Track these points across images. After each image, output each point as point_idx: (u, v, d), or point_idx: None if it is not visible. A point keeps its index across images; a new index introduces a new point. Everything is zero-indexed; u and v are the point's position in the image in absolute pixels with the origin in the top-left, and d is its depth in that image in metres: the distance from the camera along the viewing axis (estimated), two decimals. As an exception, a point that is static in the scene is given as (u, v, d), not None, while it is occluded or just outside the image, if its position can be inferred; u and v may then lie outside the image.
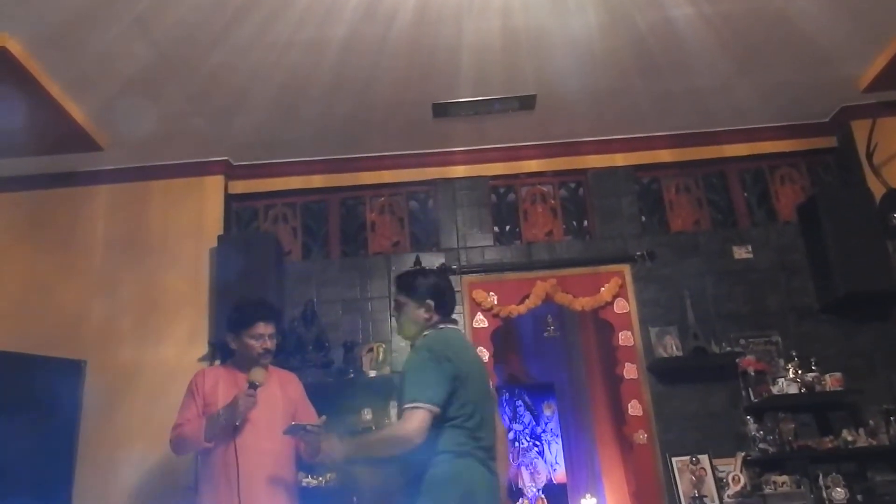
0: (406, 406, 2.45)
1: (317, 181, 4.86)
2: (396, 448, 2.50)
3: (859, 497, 3.95)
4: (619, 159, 4.86)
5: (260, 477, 3.03)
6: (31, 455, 3.88)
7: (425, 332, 2.70)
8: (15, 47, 3.46)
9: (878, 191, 4.41)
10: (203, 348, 4.30)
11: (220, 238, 4.48)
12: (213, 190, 4.71)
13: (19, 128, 4.09)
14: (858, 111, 4.61)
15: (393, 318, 4.40)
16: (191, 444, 3.07)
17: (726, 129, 4.81)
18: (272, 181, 4.84)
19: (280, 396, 3.20)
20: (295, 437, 3.05)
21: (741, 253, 4.62)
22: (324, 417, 3.08)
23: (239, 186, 4.83)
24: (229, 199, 4.79)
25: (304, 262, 4.75)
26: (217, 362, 4.07)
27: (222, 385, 3.17)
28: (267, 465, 3.07)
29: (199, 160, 4.68)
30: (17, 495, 3.71)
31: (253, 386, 3.02)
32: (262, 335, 3.17)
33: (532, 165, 4.89)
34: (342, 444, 2.64)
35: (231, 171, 4.78)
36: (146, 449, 4.08)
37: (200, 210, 4.65)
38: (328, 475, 3.98)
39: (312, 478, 3.97)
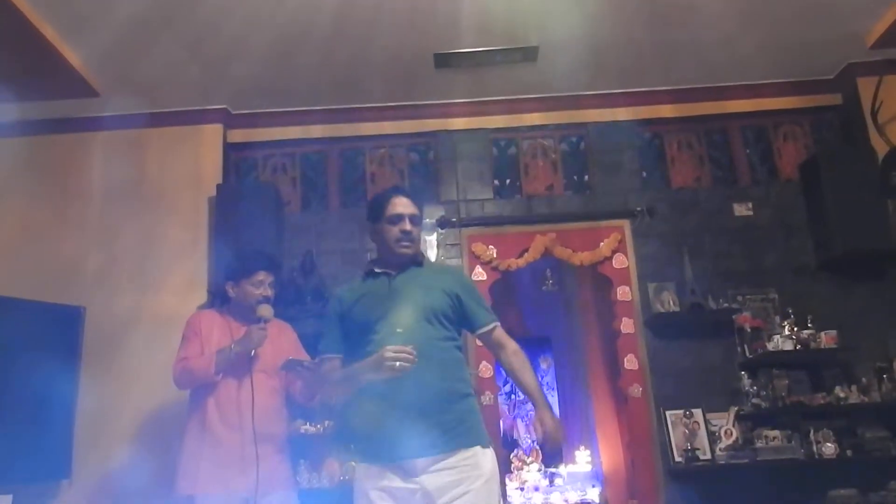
0: (497, 323, 2.60)
1: (316, 131, 4.81)
2: (523, 360, 2.62)
3: (849, 452, 4.02)
4: (622, 114, 4.82)
5: (270, 411, 3.15)
6: (32, 400, 3.92)
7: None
8: (9, -11, 3.39)
9: (881, 149, 4.37)
10: (202, 296, 4.31)
11: (218, 187, 4.46)
12: (211, 138, 4.67)
13: (14, 72, 4.04)
14: (864, 68, 4.55)
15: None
16: (198, 376, 3.10)
17: (730, 84, 4.76)
18: (271, 131, 4.80)
19: (275, 342, 3.24)
20: (291, 374, 3.15)
21: (741, 210, 4.61)
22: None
23: (237, 135, 4.79)
24: (228, 148, 4.75)
25: (304, 213, 4.73)
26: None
27: (217, 330, 3.23)
28: (275, 400, 3.21)
29: (196, 108, 4.63)
30: (17, 441, 3.75)
31: (262, 320, 3.10)
32: (262, 282, 3.24)
33: (533, 118, 4.85)
34: (552, 417, 2.49)
35: (229, 120, 4.73)
36: (145, 395, 4.13)
37: (198, 159, 4.62)
38: (326, 422, 4.03)
39: (310, 424, 4.02)
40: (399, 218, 2.57)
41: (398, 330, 2.40)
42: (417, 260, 2.64)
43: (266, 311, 3.15)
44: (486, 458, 2.41)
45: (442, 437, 2.35)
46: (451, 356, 2.50)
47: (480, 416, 2.53)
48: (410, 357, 2.28)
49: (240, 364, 3.11)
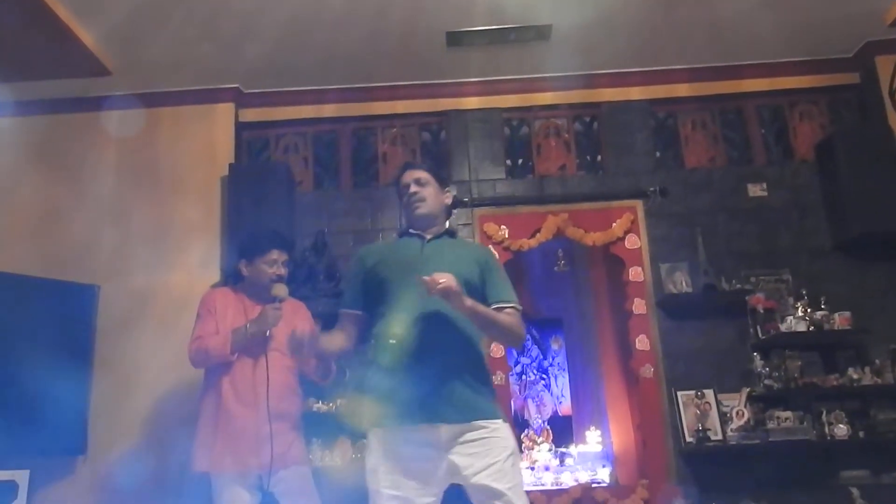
0: (516, 306, 2.53)
1: (328, 111, 4.80)
2: (510, 340, 2.63)
3: (861, 434, 4.00)
4: (635, 93, 4.77)
5: (284, 390, 3.18)
6: (47, 378, 3.96)
7: (446, 226, 2.72)
8: (21, -33, 3.39)
9: (899, 129, 4.32)
10: (215, 275, 4.33)
11: (231, 167, 4.47)
12: (223, 118, 4.67)
13: (27, 51, 4.05)
14: (883, 46, 4.49)
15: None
16: (214, 356, 3.13)
17: (746, 63, 4.71)
18: (283, 110, 4.79)
19: (290, 321, 3.24)
20: (298, 354, 3.12)
21: (756, 191, 4.58)
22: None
23: (250, 115, 4.78)
24: (240, 127, 4.76)
25: (316, 193, 4.73)
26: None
27: (231, 309, 3.26)
28: (289, 379, 3.25)
29: (209, 87, 4.63)
30: (33, 418, 3.80)
31: (277, 300, 3.12)
32: (276, 261, 3.26)
33: (546, 98, 4.82)
34: (465, 296, 2.35)
35: (241, 99, 4.73)
36: (160, 372, 4.17)
37: (211, 138, 4.62)
38: (337, 400, 4.06)
39: (322, 403, 4.05)
40: (406, 186, 2.66)
41: (423, 291, 2.34)
42: (451, 231, 2.71)
43: (281, 290, 3.17)
44: (508, 431, 2.41)
45: (466, 406, 2.35)
46: (470, 324, 2.47)
47: (494, 388, 2.54)
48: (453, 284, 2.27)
49: (255, 344, 3.14)
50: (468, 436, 2.33)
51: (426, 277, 2.26)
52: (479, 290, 2.51)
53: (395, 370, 2.37)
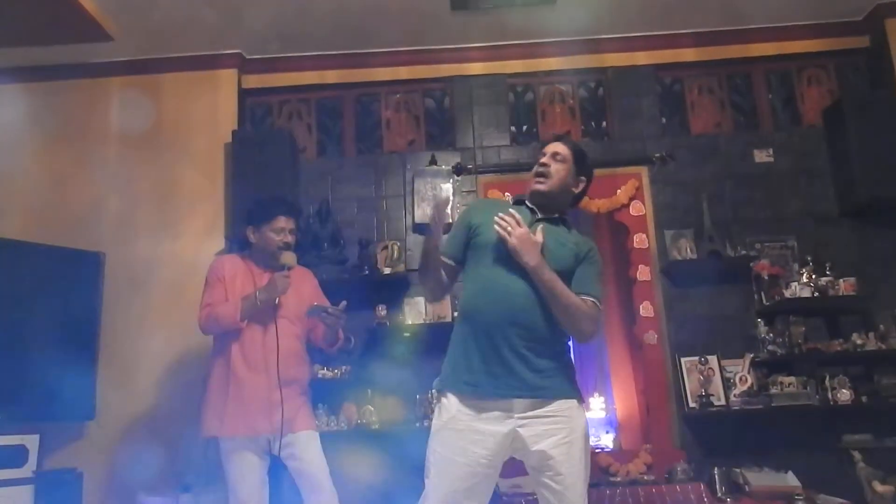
0: (597, 302, 2.40)
1: (331, 76, 4.77)
2: (578, 325, 2.37)
3: (864, 398, 4.02)
4: (641, 58, 4.72)
5: (293, 356, 3.21)
6: (55, 344, 3.99)
7: (566, 213, 2.60)
8: (20, -71, 3.35)
9: (908, 94, 4.27)
10: (220, 242, 4.34)
11: (234, 133, 4.44)
12: (226, 84, 4.64)
13: (28, 16, 4.01)
14: (894, 9, 4.42)
15: (411, 213, 4.45)
16: (224, 323, 3.14)
17: (754, 27, 4.64)
18: (286, 76, 4.76)
19: (298, 289, 3.28)
20: (315, 319, 3.22)
21: (762, 156, 4.54)
22: (344, 302, 3.20)
23: (252, 81, 4.75)
24: (243, 93, 4.72)
25: (319, 160, 4.72)
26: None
27: (240, 276, 3.27)
28: (298, 346, 3.28)
29: (211, 53, 4.59)
30: (42, 383, 3.83)
31: (286, 268, 3.14)
32: (283, 229, 3.26)
33: (551, 63, 4.76)
34: (539, 253, 2.32)
35: (244, 65, 4.69)
36: (166, 340, 4.21)
37: (214, 104, 4.59)
38: (343, 367, 4.09)
39: (328, 370, 4.07)
40: (542, 154, 2.55)
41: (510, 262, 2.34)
42: (566, 220, 2.57)
43: (289, 258, 3.19)
44: (579, 412, 2.36)
45: (543, 382, 2.31)
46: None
47: (574, 369, 2.46)
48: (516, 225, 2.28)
49: (264, 311, 3.15)
50: (541, 411, 2.30)
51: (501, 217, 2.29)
52: (569, 278, 2.41)
53: (478, 339, 2.34)
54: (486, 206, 2.77)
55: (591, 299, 2.39)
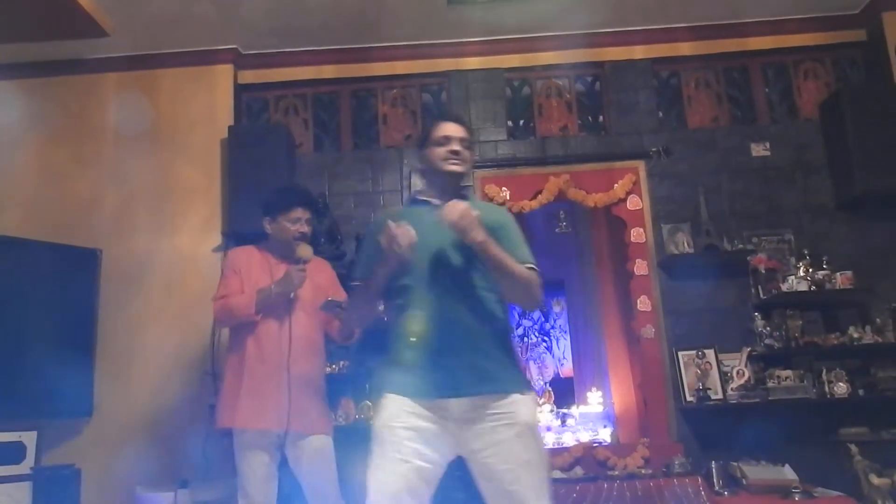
0: (534, 267, 2.35)
1: (328, 72, 4.76)
2: (526, 295, 2.36)
3: (861, 392, 4.03)
4: (638, 52, 4.72)
5: (308, 350, 3.19)
6: (52, 341, 3.99)
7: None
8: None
9: (905, 87, 4.27)
10: (216, 238, 4.34)
11: (230, 129, 4.44)
12: (222, 79, 4.63)
13: (23, 11, 4.00)
14: (890, 2, 4.43)
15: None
16: (238, 315, 3.13)
17: (751, 20, 4.64)
18: (282, 71, 4.74)
19: (314, 281, 3.25)
20: (329, 314, 3.16)
21: (759, 150, 4.54)
22: None
23: (248, 76, 4.74)
24: (239, 89, 4.72)
25: (316, 155, 4.71)
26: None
27: (256, 267, 3.25)
28: (313, 340, 3.24)
29: (207, 48, 4.58)
30: (39, 380, 3.83)
31: (301, 261, 3.12)
32: (300, 219, 3.23)
33: (548, 58, 4.76)
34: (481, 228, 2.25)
35: (240, 61, 4.68)
36: (163, 336, 4.21)
37: (210, 100, 4.59)
38: (341, 362, 4.08)
39: (327, 365, 4.06)
40: (447, 140, 2.45)
41: (434, 263, 2.31)
42: (463, 193, 2.48)
43: (305, 251, 3.17)
44: (522, 405, 2.27)
45: (476, 380, 2.24)
46: (490, 295, 2.35)
47: (519, 360, 2.42)
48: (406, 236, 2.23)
49: (280, 304, 3.14)
50: (479, 412, 2.24)
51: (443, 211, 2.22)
52: None
53: (416, 342, 2.28)
54: (380, 218, 2.64)
55: (529, 266, 2.36)
